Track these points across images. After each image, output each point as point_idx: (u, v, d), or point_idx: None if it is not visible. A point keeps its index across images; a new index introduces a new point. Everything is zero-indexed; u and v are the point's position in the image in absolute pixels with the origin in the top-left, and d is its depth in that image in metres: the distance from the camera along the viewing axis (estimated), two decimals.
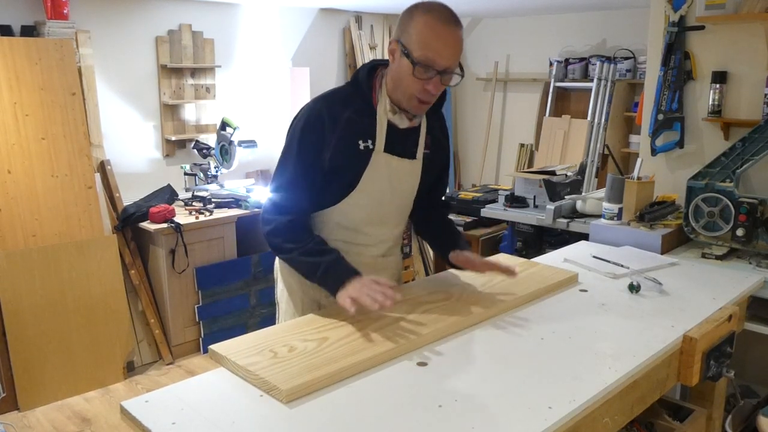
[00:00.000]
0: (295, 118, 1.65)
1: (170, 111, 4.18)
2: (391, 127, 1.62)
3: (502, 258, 2.14)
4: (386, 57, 1.62)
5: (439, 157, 1.78)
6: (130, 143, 4.03)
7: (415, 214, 1.87)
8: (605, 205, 2.61)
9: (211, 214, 3.78)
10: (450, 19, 1.50)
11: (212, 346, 1.40)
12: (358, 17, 5.13)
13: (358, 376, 1.33)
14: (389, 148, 1.63)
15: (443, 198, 1.96)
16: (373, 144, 1.61)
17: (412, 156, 1.68)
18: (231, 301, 3.90)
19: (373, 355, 1.37)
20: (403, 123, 1.63)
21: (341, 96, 1.64)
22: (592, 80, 4.71)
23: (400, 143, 1.65)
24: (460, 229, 3.67)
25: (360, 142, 1.60)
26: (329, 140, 1.57)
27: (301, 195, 1.61)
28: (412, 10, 1.52)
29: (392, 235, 1.78)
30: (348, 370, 1.32)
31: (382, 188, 1.65)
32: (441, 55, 1.48)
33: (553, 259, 2.26)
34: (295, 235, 1.59)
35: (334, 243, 1.68)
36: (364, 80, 1.63)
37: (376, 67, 1.66)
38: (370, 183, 1.63)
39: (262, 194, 3.89)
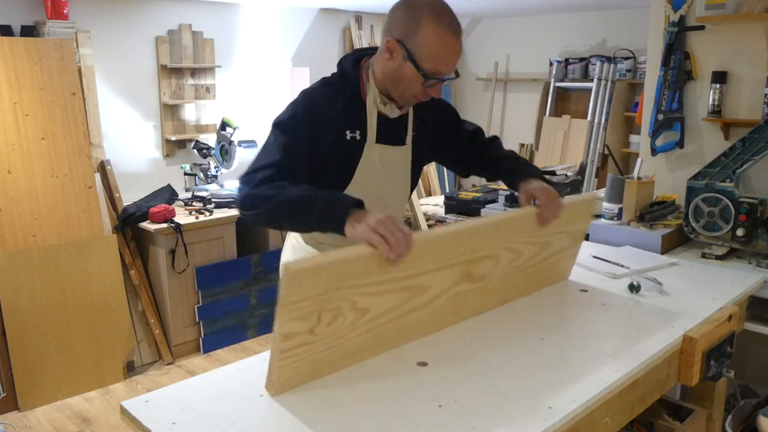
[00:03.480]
0: (289, 106, 1.58)
1: (170, 111, 4.18)
2: (381, 117, 1.61)
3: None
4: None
5: (428, 130, 1.73)
6: (130, 143, 4.03)
7: (472, 167, 1.85)
8: (605, 205, 2.61)
9: (211, 214, 3.78)
10: (457, 28, 1.49)
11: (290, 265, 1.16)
12: (358, 17, 5.13)
13: (359, 375, 1.33)
14: (380, 139, 1.62)
15: (481, 135, 1.86)
16: (362, 135, 1.59)
17: (401, 142, 1.68)
18: (231, 301, 3.90)
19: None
20: (394, 113, 1.62)
21: (332, 87, 1.61)
22: (592, 80, 4.71)
23: (390, 132, 1.64)
24: None
25: (347, 132, 1.58)
26: (327, 131, 1.55)
27: (286, 159, 1.47)
28: (418, 14, 1.46)
29: None
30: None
31: (378, 180, 1.64)
32: (448, 66, 1.51)
33: None
34: (276, 182, 1.41)
35: (334, 241, 1.65)
36: (350, 71, 1.60)
37: (361, 57, 1.63)
38: (366, 176, 1.61)
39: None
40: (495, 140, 1.87)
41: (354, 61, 1.62)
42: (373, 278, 1.31)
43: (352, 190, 1.62)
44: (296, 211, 1.38)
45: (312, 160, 1.55)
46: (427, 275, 1.44)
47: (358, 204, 1.34)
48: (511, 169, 1.76)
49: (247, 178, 1.47)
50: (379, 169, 1.64)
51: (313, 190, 1.39)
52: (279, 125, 1.54)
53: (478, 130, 1.87)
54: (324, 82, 1.64)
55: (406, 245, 1.27)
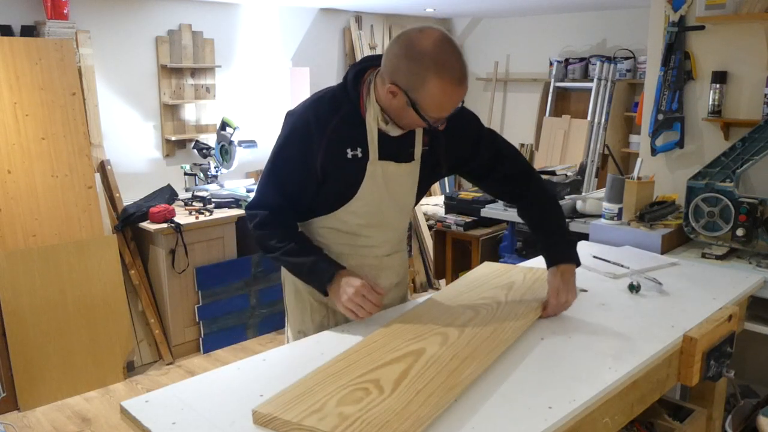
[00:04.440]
0: (285, 122, 1.60)
1: (170, 111, 4.18)
2: (382, 134, 1.57)
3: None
4: (380, 53, 1.56)
5: (441, 146, 1.67)
6: (130, 143, 4.03)
7: (505, 194, 1.92)
8: (605, 205, 2.61)
9: (211, 214, 3.78)
10: (462, 75, 1.42)
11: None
12: (358, 17, 5.13)
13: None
14: (383, 155, 1.58)
15: (514, 160, 1.76)
16: (363, 153, 1.56)
17: (409, 159, 1.63)
18: (231, 301, 3.90)
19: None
20: (395, 132, 1.57)
21: (330, 101, 1.57)
22: (592, 80, 4.71)
23: (394, 148, 1.60)
24: (462, 228, 3.66)
25: (348, 150, 1.55)
26: (317, 149, 1.53)
27: (283, 196, 1.61)
28: (423, 69, 1.40)
29: (395, 235, 1.75)
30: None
31: (380, 196, 1.61)
32: (453, 109, 1.49)
33: None
34: (279, 232, 1.61)
35: (335, 247, 1.66)
36: (351, 86, 1.56)
37: (365, 69, 1.58)
38: (368, 192, 1.60)
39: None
40: (533, 183, 1.77)
41: (356, 74, 1.57)
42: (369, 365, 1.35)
43: (355, 205, 1.61)
44: (292, 269, 1.66)
45: (310, 178, 1.57)
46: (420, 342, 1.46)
47: (336, 271, 1.57)
48: (550, 244, 1.74)
49: (249, 213, 1.65)
50: (382, 185, 1.60)
51: (304, 252, 1.60)
52: (275, 148, 1.61)
53: (498, 157, 1.74)
54: (321, 95, 1.60)
55: (375, 309, 1.55)
